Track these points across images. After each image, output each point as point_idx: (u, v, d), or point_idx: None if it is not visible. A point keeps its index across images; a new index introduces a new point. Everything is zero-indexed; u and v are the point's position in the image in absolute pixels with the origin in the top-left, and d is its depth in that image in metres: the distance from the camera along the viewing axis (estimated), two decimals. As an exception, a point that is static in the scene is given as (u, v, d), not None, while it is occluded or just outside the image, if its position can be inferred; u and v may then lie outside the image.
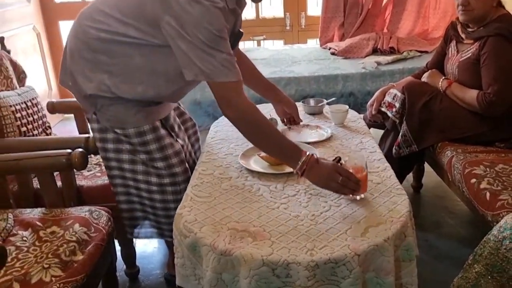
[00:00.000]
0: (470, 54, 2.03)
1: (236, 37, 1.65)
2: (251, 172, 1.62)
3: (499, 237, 1.40)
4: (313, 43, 4.15)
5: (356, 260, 1.16)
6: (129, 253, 2.05)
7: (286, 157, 1.47)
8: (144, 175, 1.69)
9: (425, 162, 2.43)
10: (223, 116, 2.20)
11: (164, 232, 1.80)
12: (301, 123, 2.02)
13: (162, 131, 1.66)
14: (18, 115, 2.00)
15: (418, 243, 1.40)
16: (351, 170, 1.41)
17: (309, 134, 1.96)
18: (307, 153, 1.42)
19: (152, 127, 1.62)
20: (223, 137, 1.97)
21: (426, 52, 3.28)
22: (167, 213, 1.73)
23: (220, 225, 1.31)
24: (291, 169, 1.49)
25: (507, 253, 1.36)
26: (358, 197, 1.42)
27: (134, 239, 2.04)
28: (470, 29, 2.08)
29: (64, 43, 4.10)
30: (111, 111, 1.59)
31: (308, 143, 1.82)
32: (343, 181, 1.37)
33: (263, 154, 1.65)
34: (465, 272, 1.49)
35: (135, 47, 1.49)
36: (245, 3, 1.66)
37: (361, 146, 1.81)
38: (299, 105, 2.21)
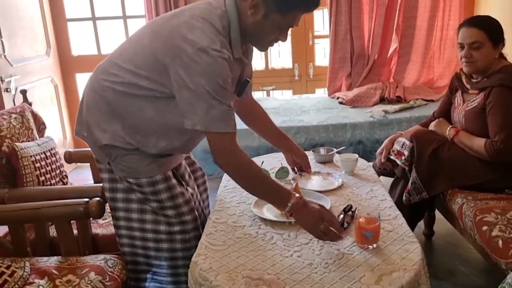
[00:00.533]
0: (476, 104, 2.09)
1: (243, 85, 1.71)
2: (264, 220, 1.65)
3: (513, 285, 1.40)
4: (321, 93, 4.25)
5: (370, 309, 1.17)
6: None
7: (276, 199, 1.54)
8: (153, 224, 1.70)
9: (436, 209, 2.44)
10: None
11: (168, 286, 1.77)
12: (312, 171, 2.05)
13: (173, 181, 1.70)
14: (38, 165, 2.07)
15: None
16: (363, 220, 1.44)
17: (320, 182, 1.99)
18: (296, 196, 1.48)
19: (164, 177, 1.66)
20: (235, 185, 1.98)
21: (432, 100, 3.36)
22: (173, 263, 1.72)
23: (235, 273, 1.33)
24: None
25: (522, 301, 1.36)
26: (370, 247, 1.44)
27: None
28: (474, 80, 2.15)
29: (79, 95, 4.27)
30: (125, 161, 1.63)
31: (320, 191, 1.85)
32: (324, 228, 1.41)
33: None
34: (481, 322, 1.49)
35: (148, 101, 1.55)
36: (251, 53, 1.75)
37: (371, 194, 1.84)
38: (310, 154, 2.26)
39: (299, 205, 1.46)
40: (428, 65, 3.76)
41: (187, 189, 1.76)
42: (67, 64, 4.27)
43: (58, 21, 4.15)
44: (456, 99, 2.28)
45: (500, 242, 1.67)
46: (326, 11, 3.93)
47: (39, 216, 1.71)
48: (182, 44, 1.42)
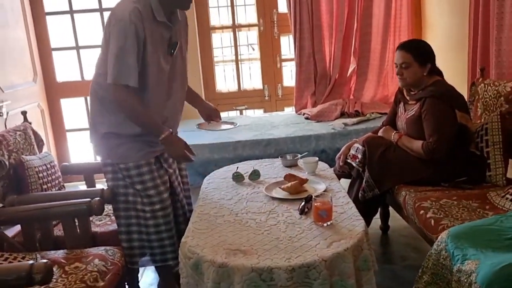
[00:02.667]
0: (414, 112, 2.50)
1: (173, 46, 2.10)
2: (240, 210, 2.00)
3: (438, 249, 1.78)
4: (289, 110, 4.63)
5: (323, 265, 1.52)
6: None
7: (152, 130, 2.05)
8: (141, 205, 2.13)
9: (390, 207, 2.82)
10: (214, 171, 2.61)
11: (156, 257, 2.18)
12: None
13: (154, 166, 2.14)
14: (41, 175, 2.37)
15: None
16: (318, 203, 1.80)
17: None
18: (169, 131, 2.02)
19: (147, 162, 2.11)
20: (215, 186, 2.35)
21: (386, 113, 3.77)
22: (159, 237, 2.14)
23: (217, 247, 1.67)
24: (304, 195, 2.06)
25: (444, 261, 1.73)
26: (325, 224, 1.79)
27: (139, 280, 2.35)
28: (412, 93, 2.57)
29: (64, 119, 4.52)
30: (120, 149, 2.09)
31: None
32: (184, 156, 2.08)
33: (283, 186, 2.16)
34: (416, 284, 1.86)
35: None
36: (178, 19, 2.12)
37: (329, 188, 2.21)
38: (278, 160, 2.65)
39: (168, 139, 2.02)
40: (383, 84, 4.21)
41: (167, 170, 2.21)
42: (52, 90, 4.54)
43: (44, 50, 4.44)
44: (399, 109, 2.70)
45: (432, 221, 2.05)
46: (291, 37, 4.35)
47: (49, 214, 2.01)
48: (109, 19, 1.95)
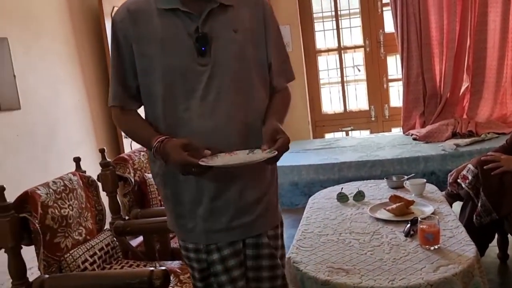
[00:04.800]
0: None
1: (204, 40, 1.39)
2: (344, 230, 2.01)
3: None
4: (396, 131, 4.52)
5: (429, 289, 1.48)
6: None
7: (144, 144, 1.48)
8: None
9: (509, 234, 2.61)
10: (319, 192, 2.66)
11: None
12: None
13: (225, 251, 1.43)
14: (160, 191, 2.60)
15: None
16: (424, 226, 1.76)
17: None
18: (157, 141, 1.35)
19: (183, 245, 1.52)
20: (319, 206, 2.40)
21: (504, 133, 3.50)
22: None
23: (320, 265, 1.70)
24: (410, 218, 1.98)
25: None
26: (432, 248, 1.74)
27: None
28: None
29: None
30: (164, 206, 1.60)
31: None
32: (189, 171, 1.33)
33: (389, 207, 2.12)
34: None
35: None
36: (203, 5, 1.39)
37: (438, 211, 2.13)
38: (383, 181, 2.62)
39: (160, 150, 1.34)
40: (500, 102, 3.93)
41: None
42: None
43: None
44: None
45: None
46: (398, 57, 4.28)
47: (165, 228, 2.20)
48: None
